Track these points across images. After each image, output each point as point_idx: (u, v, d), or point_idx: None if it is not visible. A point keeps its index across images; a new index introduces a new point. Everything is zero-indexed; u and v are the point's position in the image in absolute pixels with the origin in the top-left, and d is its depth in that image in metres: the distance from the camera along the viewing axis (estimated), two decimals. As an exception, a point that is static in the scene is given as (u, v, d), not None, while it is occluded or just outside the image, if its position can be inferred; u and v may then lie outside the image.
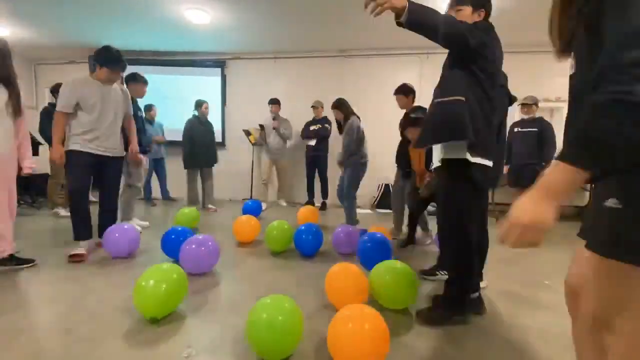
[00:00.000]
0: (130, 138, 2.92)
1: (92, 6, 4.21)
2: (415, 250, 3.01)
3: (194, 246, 2.20)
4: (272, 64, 5.95)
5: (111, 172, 2.75)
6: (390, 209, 5.23)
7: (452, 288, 1.65)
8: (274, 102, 5.15)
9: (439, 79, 1.66)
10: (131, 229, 2.64)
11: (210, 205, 4.81)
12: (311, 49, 5.66)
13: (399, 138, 3.38)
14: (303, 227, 2.74)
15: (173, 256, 2.48)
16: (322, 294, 1.94)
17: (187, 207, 3.62)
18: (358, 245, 2.47)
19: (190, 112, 6.22)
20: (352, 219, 3.52)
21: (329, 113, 5.15)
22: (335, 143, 5.13)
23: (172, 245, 2.46)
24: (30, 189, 4.81)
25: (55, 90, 4.20)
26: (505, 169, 4.26)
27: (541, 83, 5.25)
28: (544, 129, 4.02)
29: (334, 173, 5.23)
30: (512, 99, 1.97)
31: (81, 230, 2.56)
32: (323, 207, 5.20)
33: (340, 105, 3.56)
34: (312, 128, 5.18)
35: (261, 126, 5.26)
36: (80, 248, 2.52)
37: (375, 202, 5.57)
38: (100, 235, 2.70)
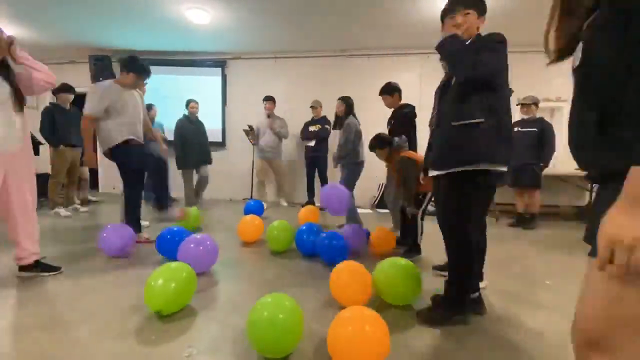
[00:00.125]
0: (153, 135, 3.24)
1: (93, 6, 4.21)
2: (427, 246, 2.96)
3: (192, 245, 2.19)
4: (272, 64, 5.95)
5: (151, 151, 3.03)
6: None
7: (452, 288, 1.66)
8: (269, 99, 5.09)
9: (442, 87, 1.68)
10: (126, 228, 2.67)
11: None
12: (312, 49, 5.66)
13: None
14: (304, 227, 2.74)
15: (168, 256, 2.47)
16: (323, 293, 1.95)
17: (185, 207, 3.61)
18: (317, 243, 2.52)
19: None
20: (354, 218, 3.53)
21: (328, 113, 5.17)
22: (335, 143, 5.14)
23: (167, 245, 2.46)
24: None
25: (57, 90, 4.20)
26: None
27: (541, 83, 5.25)
28: (544, 129, 4.02)
29: (335, 173, 5.25)
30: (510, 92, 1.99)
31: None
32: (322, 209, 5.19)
33: (346, 101, 3.65)
34: (311, 129, 5.15)
35: (250, 127, 5.21)
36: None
37: (376, 202, 5.57)
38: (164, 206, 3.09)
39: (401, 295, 1.80)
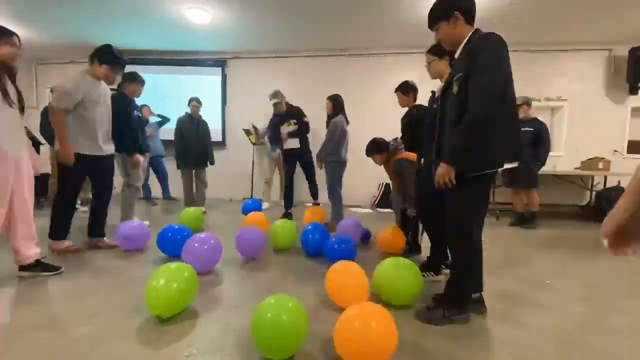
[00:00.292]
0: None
1: (93, 6, 4.21)
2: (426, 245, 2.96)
3: (196, 244, 2.19)
4: (272, 63, 5.95)
5: (106, 170, 2.78)
6: (391, 209, 5.22)
7: (453, 288, 1.66)
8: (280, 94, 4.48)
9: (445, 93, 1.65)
10: (142, 225, 2.74)
11: (202, 208, 4.53)
12: (312, 48, 5.66)
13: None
14: (310, 227, 2.74)
15: (170, 254, 2.51)
16: (325, 293, 1.95)
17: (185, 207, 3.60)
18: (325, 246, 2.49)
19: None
20: (339, 215, 3.57)
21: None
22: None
23: (168, 243, 2.50)
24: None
25: None
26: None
27: (541, 82, 5.24)
28: (540, 128, 4.01)
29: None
30: None
31: (66, 229, 2.66)
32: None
33: (334, 100, 3.66)
34: (285, 128, 4.34)
35: (254, 127, 5.13)
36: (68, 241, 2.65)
37: (376, 202, 5.57)
38: (93, 234, 2.80)
39: (401, 295, 1.80)
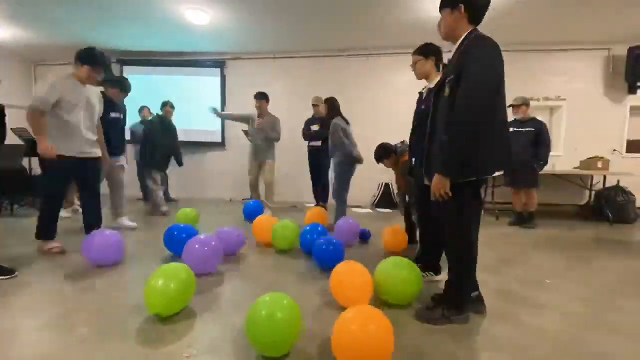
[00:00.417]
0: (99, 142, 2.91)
1: (92, 7, 4.21)
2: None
3: (197, 246, 2.19)
4: (271, 64, 5.96)
5: (90, 173, 2.73)
6: (390, 209, 5.24)
7: (452, 288, 1.66)
8: (260, 97, 4.32)
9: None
10: (115, 235, 2.45)
11: (164, 208, 4.56)
12: (311, 49, 5.67)
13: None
14: (309, 227, 2.75)
15: (175, 252, 2.53)
16: (325, 293, 1.95)
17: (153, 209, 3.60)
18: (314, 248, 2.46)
19: (190, 113, 6.23)
20: (340, 217, 3.54)
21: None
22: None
23: (175, 241, 2.53)
24: (32, 189, 4.81)
25: None
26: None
27: (540, 82, 5.25)
28: (539, 128, 4.02)
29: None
30: None
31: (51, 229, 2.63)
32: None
33: (331, 103, 3.68)
34: (313, 128, 4.73)
35: (245, 132, 4.79)
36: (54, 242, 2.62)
37: (376, 202, 5.57)
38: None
39: (401, 294, 1.80)
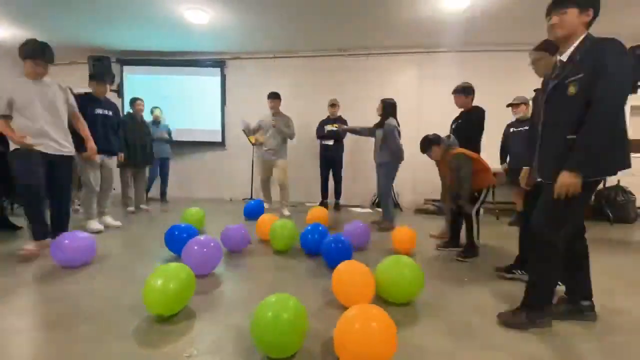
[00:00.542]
0: (83, 135, 2.88)
1: (92, 7, 4.21)
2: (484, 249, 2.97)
3: (196, 247, 2.19)
4: (271, 64, 5.95)
5: (60, 172, 2.68)
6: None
7: (534, 289, 1.62)
8: (273, 96, 4.57)
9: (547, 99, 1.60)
10: (85, 237, 2.39)
11: (142, 206, 4.66)
12: (311, 48, 5.66)
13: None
14: (310, 227, 2.75)
15: (176, 252, 2.53)
16: (326, 293, 1.95)
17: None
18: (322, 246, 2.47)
19: (189, 113, 6.23)
20: (389, 215, 3.71)
21: (326, 113, 5.14)
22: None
23: (175, 241, 2.53)
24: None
25: None
26: (503, 169, 4.27)
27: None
28: None
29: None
30: None
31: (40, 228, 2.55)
32: (337, 207, 5.11)
33: (386, 106, 3.72)
34: (328, 128, 4.96)
35: (244, 132, 4.97)
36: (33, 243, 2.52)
37: (375, 202, 5.57)
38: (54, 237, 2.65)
39: (403, 293, 1.80)
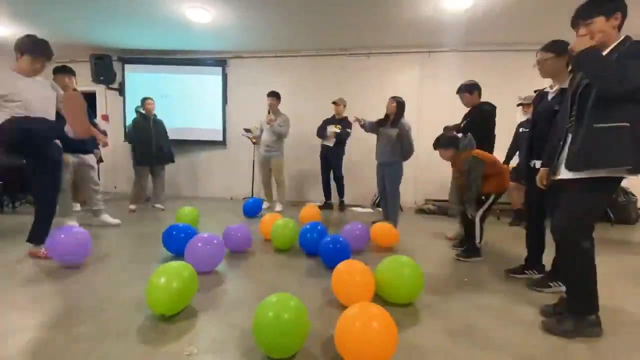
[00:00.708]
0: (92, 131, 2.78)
1: (93, 5, 4.21)
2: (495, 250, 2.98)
3: (199, 244, 2.20)
4: (273, 63, 5.95)
5: (51, 166, 2.54)
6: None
7: (574, 296, 1.60)
8: (272, 95, 4.70)
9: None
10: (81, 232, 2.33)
11: (157, 205, 4.68)
12: (312, 48, 5.65)
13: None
14: (308, 226, 2.74)
15: (174, 252, 2.53)
16: (326, 292, 1.95)
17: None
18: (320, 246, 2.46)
19: (191, 112, 6.23)
20: (395, 214, 3.68)
21: (328, 113, 5.13)
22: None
23: (173, 240, 2.51)
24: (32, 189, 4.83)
25: None
26: (509, 167, 4.27)
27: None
28: None
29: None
30: None
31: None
32: (341, 207, 5.04)
33: (400, 105, 3.71)
34: (330, 128, 4.85)
35: (246, 130, 5.11)
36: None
37: (376, 201, 5.56)
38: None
39: (403, 293, 1.80)
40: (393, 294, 1.81)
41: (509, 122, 4.37)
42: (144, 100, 4.63)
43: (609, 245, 3.30)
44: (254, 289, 2.03)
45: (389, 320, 1.25)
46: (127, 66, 6.08)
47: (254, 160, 5.70)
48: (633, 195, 4.49)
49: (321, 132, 4.94)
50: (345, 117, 4.89)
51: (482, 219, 2.67)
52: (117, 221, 3.60)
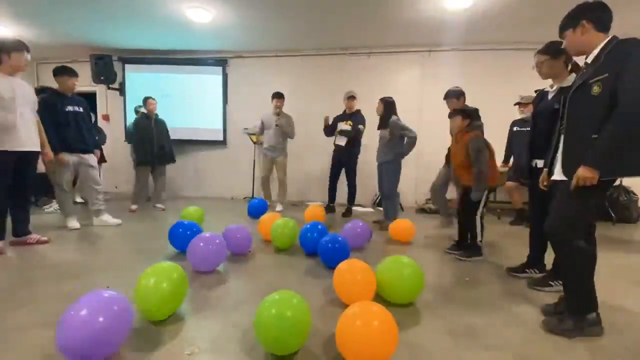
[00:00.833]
0: (41, 138, 2.85)
1: (94, 6, 4.21)
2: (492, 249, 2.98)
3: (201, 244, 2.20)
4: (273, 62, 5.95)
5: (28, 166, 2.73)
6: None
7: (572, 295, 1.60)
8: (278, 95, 4.63)
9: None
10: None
11: (158, 205, 4.70)
12: (313, 47, 5.65)
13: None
14: (308, 226, 2.74)
15: (179, 248, 2.57)
16: (327, 291, 1.95)
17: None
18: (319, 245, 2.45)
19: (191, 112, 6.22)
20: (393, 214, 3.70)
21: (327, 113, 5.10)
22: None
23: (180, 238, 2.57)
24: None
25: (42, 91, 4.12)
26: (505, 166, 4.27)
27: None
28: None
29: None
30: None
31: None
32: (347, 212, 4.56)
33: (386, 105, 3.68)
34: (341, 126, 4.44)
35: (246, 130, 5.09)
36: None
37: (377, 201, 5.56)
38: (17, 233, 2.78)
39: (403, 293, 1.80)
40: (394, 294, 1.81)
41: (508, 121, 4.37)
42: (145, 99, 4.64)
43: (610, 244, 3.29)
44: (254, 289, 2.03)
45: (389, 319, 1.25)
46: (127, 66, 6.08)
47: (254, 160, 5.70)
48: (634, 194, 4.48)
49: (330, 130, 4.51)
50: (358, 111, 4.48)
51: (482, 216, 2.66)
52: (117, 221, 3.60)
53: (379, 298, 1.83)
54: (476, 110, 2.87)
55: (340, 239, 2.40)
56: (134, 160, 4.77)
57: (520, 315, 1.75)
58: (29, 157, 2.72)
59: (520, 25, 4.46)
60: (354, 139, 4.39)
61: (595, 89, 1.48)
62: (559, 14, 1.70)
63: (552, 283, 2.06)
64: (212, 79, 6.06)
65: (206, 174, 6.29)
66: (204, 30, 4.95)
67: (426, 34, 4.87)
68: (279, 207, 4.68)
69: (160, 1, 4.09)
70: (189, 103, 6.12)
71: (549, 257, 2.13)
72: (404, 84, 5.51)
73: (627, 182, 4.58)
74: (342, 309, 1.44)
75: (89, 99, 3.71)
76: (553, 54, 2.04)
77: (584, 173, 1.44)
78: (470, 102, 3.30)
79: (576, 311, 1.56)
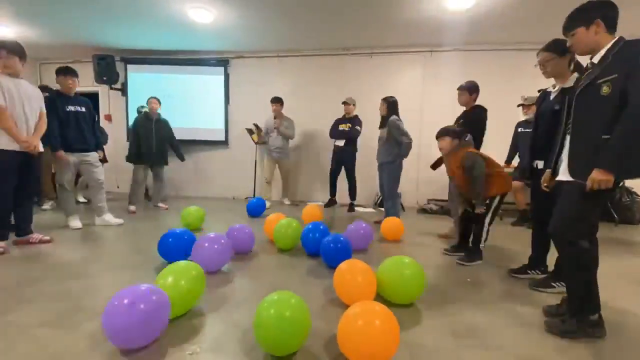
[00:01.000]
0: (35, 134, 2.83)
1: (96, 5, 4.22)
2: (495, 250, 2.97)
3: (206, 244, 2.20)
4: (275, 63, 5.95)
5: (30, 166, 2.76)
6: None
7: (574, 296, 1.59)
8: (276, 100, 5.04)
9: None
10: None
11: (161, 204, 4.75)
12: (314, 47, 5.65)
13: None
14: (310, 226, 2.73)
15: (171, 260, 2.37)
16: (328, 291, 1.95)
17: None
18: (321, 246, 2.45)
19: (193, 112, 6.24)
20: (394, 214, 3.66)
21: (329, 112, 5.15)
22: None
23: (171, 248, 2.34)
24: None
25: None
26: (508, 167, 4.25)
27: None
28: None
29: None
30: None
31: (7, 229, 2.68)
32: (350, 209, 4.92)
33: (390, 104, 3.70)
34: (341, 128, 4.87)
35: (256, 125, 5.20)
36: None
37: (378, 201, 5.56)
38: (20, 233, 2.82)
39: (404, 294, 1.80)
40: (395, 295, 1.80)
41: (511, 122, 4.36)
42: (148, 99, 4.67)
43: (613, 246, 3.28)
44: (256, 289, 2.03)
45: (391, 318, 1.25)
46: (129, 66, 6.10)
47: (255, 161, 5.71)
48: (637, 195, 4.46)
49: (334, 132, 4.92)
50: (356, 116, 4.85)
51: (490, 222, 2.63)
52: (119, 221, 3.61)
53: (379, 298, 1.83)
54: (462, 130, 2.84)
55: (342, 238, 2.40)
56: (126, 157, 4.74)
57: (522, 316, 1.74)
58: (32, 157, 2.75)
59: (522, 26, 4.45)
60: (352, 139, 4.80)
61: (605, 89, 1.47)
62: (561, 14, 1.70)
63: (554, 284, 2.05)
64: (213, 79, 6.07)
65: (207, 174, 6.31)
66: (206, 30, 4.96)
67: (428, 34, 4.87)
68: (286, 202, 5.29)
69: (162, 1, 4.10)
70: (191, 103, 6.13)
71: (550, 258, 2.13)
72: (405, 84, 5.51)
73: (630, 183, 4.56)
74: (342, 309, 1.44)
75: (92, 99, 3.72)
76: (559, 53, 2.02)
77: (599, 176, 1.42)
78: (470, 102, 3.28)
79: (579, 312, 1.56)
